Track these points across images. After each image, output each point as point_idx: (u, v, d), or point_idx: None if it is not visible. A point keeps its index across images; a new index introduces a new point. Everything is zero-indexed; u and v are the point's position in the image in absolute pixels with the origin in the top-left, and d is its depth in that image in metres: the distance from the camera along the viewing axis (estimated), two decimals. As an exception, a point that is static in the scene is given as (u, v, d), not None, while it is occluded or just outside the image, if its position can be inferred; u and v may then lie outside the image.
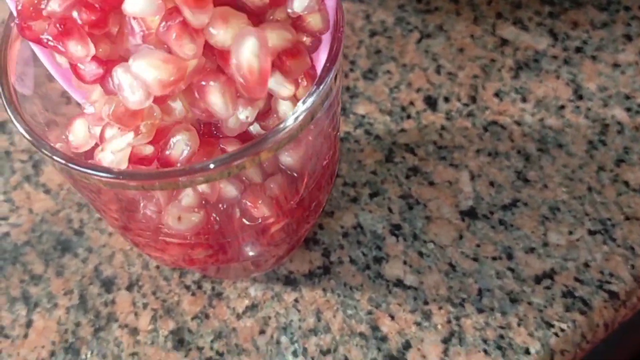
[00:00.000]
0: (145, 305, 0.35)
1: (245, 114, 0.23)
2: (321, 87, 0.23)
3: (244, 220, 0.27)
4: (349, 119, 0.40)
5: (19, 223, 0.38)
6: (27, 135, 0.22)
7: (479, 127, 0.39)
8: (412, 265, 0.35)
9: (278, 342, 0.33)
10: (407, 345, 0.33)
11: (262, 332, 0.33)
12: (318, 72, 0.24)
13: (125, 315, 0.34)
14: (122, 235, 0.29)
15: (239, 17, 0.22)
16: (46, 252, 0.37)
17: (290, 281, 0.35)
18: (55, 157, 0.22)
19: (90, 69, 0.23)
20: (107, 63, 0.23)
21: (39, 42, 0.23)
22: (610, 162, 0.37)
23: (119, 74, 0.21)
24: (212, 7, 0.21)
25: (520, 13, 0.43)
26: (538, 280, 0.34)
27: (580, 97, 0.40)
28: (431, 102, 0.40)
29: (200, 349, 0.33)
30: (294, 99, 0.25)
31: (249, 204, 0.26)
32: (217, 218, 0.27)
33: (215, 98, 0.22)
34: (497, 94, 0.40)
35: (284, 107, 0.24)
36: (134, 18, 0.22)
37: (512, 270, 0.34)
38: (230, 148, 0.24)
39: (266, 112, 0.25)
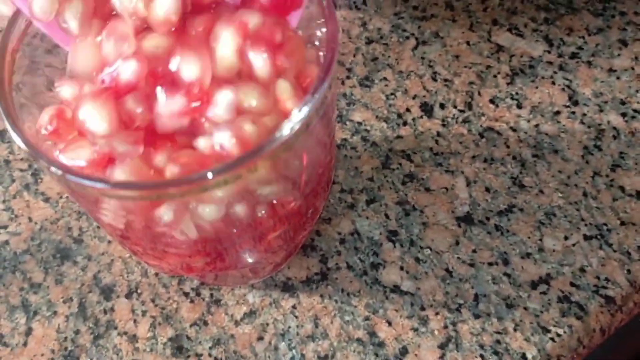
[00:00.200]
0: (144, 313, 0.35)
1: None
2: (316, 96, 0.24)
3: (241, 228, 0.27)
4: (345, 126, 0.40)
5: (18, 231, 0.38)
6: (24, 146, 0.23)
7: (474, 133, 0.39)
8: (409, 271, 0.35)
9: (276, 349, 0.33)
10: (404, 351, 0.33)
11: (260, 338, 0.34)
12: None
13: (125, 323, 0.35)
14: (120, 243, 0.29)
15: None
16: (45, 261, 0.37)
17: (288, 287, 0.35)
18: (52, 168, 0.22)
19: None
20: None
21: None
22: (605, 168, 0.38)
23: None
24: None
25: (516, 19, 0.44)
26: (534, 285, 0.34)
27: (576, 103, 0.40)
28: (427, 109, 0.40)
29: (199, 355, 0.33)
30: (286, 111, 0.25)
31: (245, 212, 0.26)
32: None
33: None
34: (492, 101, 0.40)
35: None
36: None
37: (508, 275, 0.35)
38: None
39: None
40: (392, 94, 0.41)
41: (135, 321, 0.35)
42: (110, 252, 0.37)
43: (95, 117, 0.24)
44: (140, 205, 0.23)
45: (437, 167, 0.38)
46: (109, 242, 0.37)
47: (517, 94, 0.40)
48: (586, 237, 0.35)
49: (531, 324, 0.33)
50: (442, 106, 0.40)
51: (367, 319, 0.34)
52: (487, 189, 0.37)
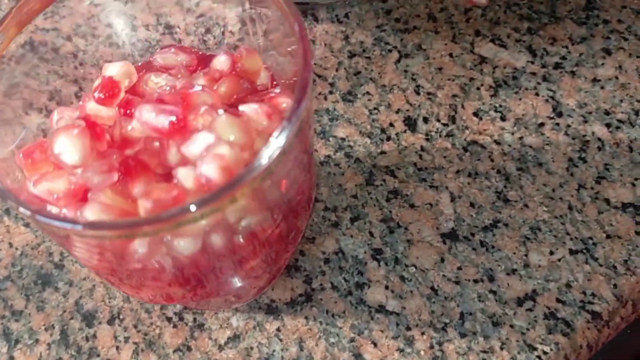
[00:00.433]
0: (126, 339, 0.34)
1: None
2: (293, 119, 0.23)
3: (220, 257, 0.27)
4: (329, 142, 0.40)
5: (-1, 257, 0.37)
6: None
7: (458, 147, 0.39)
8: (394, 290, 0.35)
9: (261, 373, 0.33)
10: (389, 373, 0.32)
11: (244, 363, 0.33)
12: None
13: (107, 350, 0.34)
14: (97, 274, 0.29)
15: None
16: (27, 287, 0.36)
17: (272, 310, 0.35)
18: (20, 209, 0.21)
19: None
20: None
21: None
22: (590, 180, 0.37)
23: None
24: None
25: (499, 30, 0.43)
26: (520, 302, 0.34)
27: (560, 114, 0.40)
28: (411, 123, 0.40)
29: (182, 382, 0.33)
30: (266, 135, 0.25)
31: (223, 242, 0.26)
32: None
33: None
34: (476, 113, 0.40)
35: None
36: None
37: (494, 292, 0.34)
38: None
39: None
40: (375, 108, 0.41)
41: (117, 348, 0.34)
42: (91, 278, 0.36)
43: (69, 149, 0.23)
44: (113, 242, 0.23)
45: (421, 182, 0.38)
46: (91, 266, 0.37)
47: (500, 106, 0.40)
48: (572, 252, 0.35)
49: (517, 342, 0.33)
50: (425, 120, 0.40)
51: (352, 340, 0.34)
52: (472, 204, 0.37)
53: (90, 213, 0.23)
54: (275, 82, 0.29)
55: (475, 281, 0.35)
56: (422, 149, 0.39)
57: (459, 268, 0.35)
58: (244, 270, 0.30)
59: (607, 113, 0.40)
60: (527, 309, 0.34)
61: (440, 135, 0.39)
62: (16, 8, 0.29)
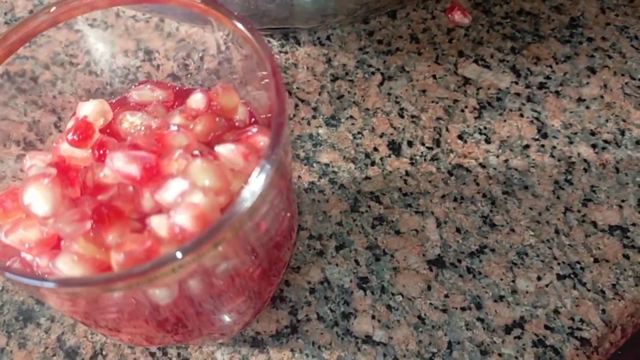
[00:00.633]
0: (110, 376, 0.34)
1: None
2: (272, 157, 0.23)
3: (199, 301, 0.26)
4: (312, 168, 0.39)
5: (-21, 294, 0.37)
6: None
7: (443, 171, 0.38)
8: (381, 319, 0.34)
9: (246, 409, 0.32)
10: (377, 407, 0.32)
11: (229, 399, 0.33)
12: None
13: (90, 388, 0.34)
14: (72, 318, 0.28)
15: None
16: (8, 324, 0.36)
17: (257, 343, 0.34)
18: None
19: None
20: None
21: None
22: (577, 202, 0.37)
23: None
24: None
25: (482, 50, 0.43)
26: (508, 330, 0.34)
27: (545, 136, 0.39)
28: (395, 147, 0.40)
29: (167, 420, 0.32)
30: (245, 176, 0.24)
31: (201, 287, 0.25)
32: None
33: None
34: (461, 136, 0.40)
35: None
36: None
37: (481, 320, 0.34)
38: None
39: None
40: (359, 132, 0.40)
41: (101, 386, 0.34)
42: (73, 313, 0.36)
43: (39, 200, 0.23)
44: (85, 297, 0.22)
45: (406, 208, 0.37)
46: (73, 301, 0.36)
47: (485, 128, 0.40)
48: (559, 277, 0.35)
49: (506, 371, 0.32)
50: (410, 144, 0.40)
51: (339, 373, 0.33)
52: (458, 230, 0.37)
53: (63, 264, 0.22)
54: (253, 118, 0.29)
55: (463, 309, 0.34)
56: (407, 173, 0.39)
57: (446, 296, 0.35)
58: (227, 309, 0.29)
59: (592, 133, 0.39)
60: (515, 336, 0.33)
61: (425, 159, 0.39)
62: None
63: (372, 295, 0.35)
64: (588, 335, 0.33)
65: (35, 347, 0.35)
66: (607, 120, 0.40)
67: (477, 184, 0.38)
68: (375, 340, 0.34)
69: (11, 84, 0.36)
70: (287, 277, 0.36)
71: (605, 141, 0.39)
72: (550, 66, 0.42)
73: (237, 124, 0.28)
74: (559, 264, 0.35)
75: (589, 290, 0.34)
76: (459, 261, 0.36)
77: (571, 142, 0.39)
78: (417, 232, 0.37)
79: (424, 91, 0.42)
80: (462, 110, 0.41)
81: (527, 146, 0.39)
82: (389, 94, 0.42)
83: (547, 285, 0.35)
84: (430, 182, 0.38)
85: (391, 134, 0.40)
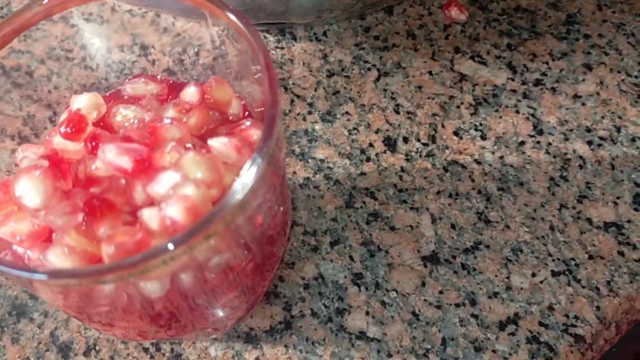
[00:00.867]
0: (103, 371, 0.34)
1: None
2: (264, 150, 0.23)
3: (191, 294, 0.26)
4: (308, 164, 0.39)
5: (-28, 288, 0.37)
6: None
7: (439, 167, 0.38)
8: (375, 315, 0.34)
9: (239, 404, 0.32)
10: (370, 402, 0.32)
11: (223, 394, 0.33)
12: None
13: (83, 383, 0.33)
14: (65, 312, 0.28)
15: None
16: (1, 319, 0.36)
17: (251, 338, 0.34)
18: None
19: None
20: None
21: None
22: (572, 199, 0.37)
23: None
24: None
25: (479, 46, 0.43)
26: (502, 326, 0.33)
27: (541, 132, 0.39)
28: (390, 143, 0.39)
29: (160, 415, 0.32)
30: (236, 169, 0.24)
31: (193, 281, 0.25)
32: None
33: None
34: (456, 132, 0.39)
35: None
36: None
37: (475, 316, 0.34)
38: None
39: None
40: (354, 128, 0.40)
41: (94, 381, 0.33)
42: (67, 308, 0.36)
43: (31, 192, 0.23)
44: (77, 288, 0.22)
45: (401, 204, 0.37)
46: (67, 296, 0.36)
47: (481, 124, 0.40)
48: (554, 274, 0.35)
49: (500, 367, 0.32)
50: (405, 140, 0.40)
51: (332, 368, 0.33)
52: (453, 226, 0.36)
53: (54, 257, 0.22)
54: (247, 112, 0.29)
55: (457, 305, 0.34)
56: (402, 169, 0.39)
57: (441, 292, 0.35)
58: (220, 303, 0.29)
59: (588, 130, 0.39)
60: (509, 333, 0.33)
61: (420, 156, 0.39)
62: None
63: (367, 291, 0.35)
64: (582, 332, 0.33)
65: (28, 342, 0.35)
66: (603, 117, 0.40)
67: (473, 180, 0.38)
68: (369, 336, 0.34)
69: (6, 78, 0.36)
70: (281, 273, 0.36)
71: (601, 138, 0.39)
72: (547, 63, 0.42)
73: (230, 117, 0.28)
74: (553, 260, 0.35)
75: (583, 287, 0.34)
76: (454, 257, 0.36)
77: (567, 139, 0.39)
78: (412, 228, 0.37)
79: (419, 87, 0.41)
80: (458, 107, 0.41)
81: (522, 143, 0.39)
82: (385, 90, 0.42)
83: (541, 282, 0.35)
84: (425, 178, 0.38)
85: (387, 130, 0.40)
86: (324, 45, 0.44)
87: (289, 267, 0.36)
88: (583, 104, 0.40)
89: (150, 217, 0.22)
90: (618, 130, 0.39)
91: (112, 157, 0.23)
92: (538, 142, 0.39)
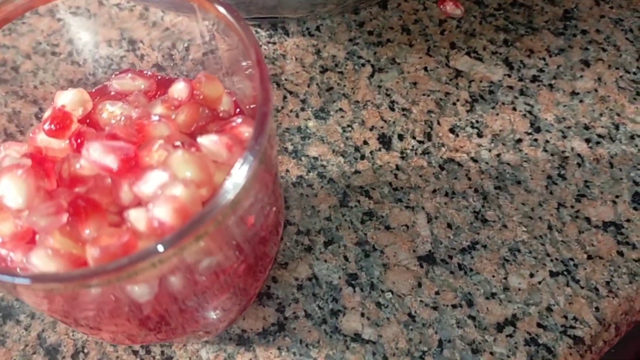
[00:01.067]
0: (90, 375, 0.33)
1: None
2: (256, 147, 0.22)
3: (181, 297, 0.25)
4: (301, 162, 0.38)
5: (-44, 290, 0.36)
6: None
7: (434, 165, 0.38)
8: (370, 317, 0.33)
9: (231, 409, 0.32)
10: (365, 407, 0.31)
11: (214, 398, 0.32)
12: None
13: (70, 388, 0.33)
14: (51, 316, 0.27)
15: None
16: (-14, 321, 0.35)
17: (243, 341, 0.33)
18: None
19: None
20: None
21: None
22: (570, 198, 0.36)
23: None
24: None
25: (475, 42, 0.42)
26: (500, 328, 0.33)
27: (538, 130, 0.38)
28: (385, 141, 0.39)
29: (149, 420, 0.31)
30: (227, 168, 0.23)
31: (183, 283, 0.24)
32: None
33: None
34: (452, 130, 0.39)
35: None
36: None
37: (473, 318, 0.33)
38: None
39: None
40: (348, 125, 0.39)
41: (81, 385, 0.33)
42: (53, 310, 0.35)
43: (12, 192, 0.22)
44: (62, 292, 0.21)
45: (396, 203, 0.37)
46: (53, 298, 0.35)
47: (477, 121, 0.39)
48: (552, 274, 0.34)
49: (498, 370, 0.32)
50: (400, 137, 0.39)
51: (326, 372, 0.32)
52: (449, 225, 0.36)
53: (37, 259, 0.21)
54: (238, 109, 0.28)
55: (454, 306, 0.34)
56: (398, 167, 0.38)
57: (437, 293, 0.34)
58: (211, 306, 0.28)
59: (586, 128, 0.38)
60: (507, 334, 0.33)
61: (415, 153, 0.38)
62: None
63: (362, 292, 0.34)
64: (581, 333, 0.33)
65: (14, 345, 0.34)
66: (601, 115, 0.39)
67: (469, 179, 0.37)
68: (365, 338, 0.33)
69: (-9, 74, 0.35)
70: (274, 274, 0.35)
71: (599, 135, 0.38)
72: (544, 59, 0.41)
73: (221, 114, 0.27)
74: (551, 260, 0.34)
75: (582, 288, 0.34)
76: (450, 257, 0.35)
77: (564, 137, 0.38)
78: (408, 228, 0.36)
79: (415, 84, 0.41)
80: (454, 104, 0.40)
81: (519, 140, 0.38)
82: (380, 87, 0.41)
83: (539, 283, 0.34)
84: (421, 176, 0.37)
85: (381, 127, 0.39)
86: (317, 41, 0.43)
87: (282, 268, 0.35)
88: (581, 101, 0.40)
89: (137, 218, 0.21)
90: (616, 127, 0.38)
91: (97, 156, 0.22)
92: (535, 140, 0.38)
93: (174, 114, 0.26)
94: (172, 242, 0.20)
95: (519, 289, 0.34)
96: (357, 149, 0.39)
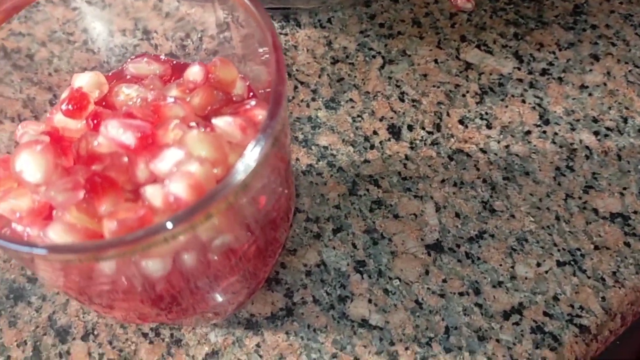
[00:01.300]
0: (101, 356, 0.33)
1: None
2: (268, 131, 0.22)
3: (193, 275, 0.26)
4: (311, 151, 0.39)
5: (-30, 271, 0.36)
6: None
7: (443, 156, 0.38)
8: (378, 303, 0.34)
9: (240, 391, 0.32)
10: (372, 391, 0.32)
11: (223, 380, 0.32)
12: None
13: (81, 368, 0.33)
14: (66, 294, 0.28)
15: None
16: (-1, 302, 0.35)
17: (251, 325, 0.34)
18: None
19: None
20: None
21: None
22: (578, 189, 0.36)
23: None
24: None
25: (485, 35, 0.42)
26: (506, 316, 0.33)
27: (547, 122, 0.39)
28: (395, 131, 0.39)
29: (158, 401, 0.32)
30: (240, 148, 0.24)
31: (196, 261, 0.25)
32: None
33: None
34: (461, 121, 0.39)
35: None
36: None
37: (479, 306, 0.33)
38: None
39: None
40: (358, 116, 0.40)
41: (92, 365, 0.33)
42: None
43: (31, 167, 0.22)
44: (78, 265, 0.22)
45: (405, 192, 0.37)
46: (65, 280, 0.35)
47: (486, 113, 0.39)
48: (559, 264, 0.34)
49: (504, 357, 0.32)
50: (410, 128, 0.39)
51: (334, 356, 0.33)
52: (457, 215, 0.36)
53: (54, 234, 0.22)
54: (252, 93, 0.28)
55: (461, 294, 0.34)
56: (407, 157, 0.38)
57: (444, 280, 0.34)
58: (221, 287, 0.29)
59: (595, 120, 0.39)
60: (513, 322, 0.33)
61: (425, 144, 0.38)
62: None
63: (369, 279, 0.35)
64: (587, 322, 0.33)
65: (25, 326, 0.34)
66: (609, 108, 0.39)
67: (478, 169, 0.37)
68: (372, 324, 0.33)
69: (7, 60, 0.35)
70: (283, 259, 0.35)
71: (608, 128, 0.38)
72: (553, 52, 0.42)
73: (235, 98, 0.28)
74: (559, 250, 0.35)
75: (589, 278, 0.34)
76: (458, 246, 0.35)
77: (573, 129, 0.38)
78: (416, 217, 0.36)
79: (425, 75, 0.41)
80: (464, 95, 0.40)
81: (528, 132, 0.38)
82: (390, 78, 0.41)
83: (546, 272, 0.34)
84: (430, 166, 0.38)
85: (391, 118, 0.40)
86: (328, 32, 0.43)
87: (291, 254, 0.36)
88: (590, 95, 0.40)
89: (153, 193, 0.22)
90: (625, 121, 0.39)
91: (115, 133, 0.22)
92: (544, 132, 0.38)
93: (189, 96, 0.26)
94: (184, 217, 0.20)
95: (526, 278, 0.34)
96: (366, 138, 0.39)
